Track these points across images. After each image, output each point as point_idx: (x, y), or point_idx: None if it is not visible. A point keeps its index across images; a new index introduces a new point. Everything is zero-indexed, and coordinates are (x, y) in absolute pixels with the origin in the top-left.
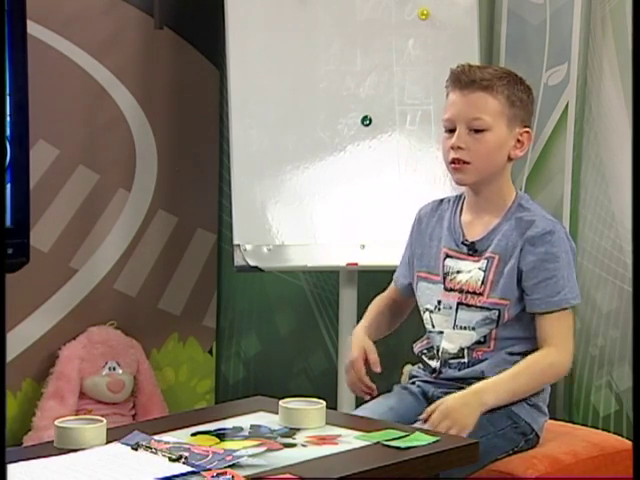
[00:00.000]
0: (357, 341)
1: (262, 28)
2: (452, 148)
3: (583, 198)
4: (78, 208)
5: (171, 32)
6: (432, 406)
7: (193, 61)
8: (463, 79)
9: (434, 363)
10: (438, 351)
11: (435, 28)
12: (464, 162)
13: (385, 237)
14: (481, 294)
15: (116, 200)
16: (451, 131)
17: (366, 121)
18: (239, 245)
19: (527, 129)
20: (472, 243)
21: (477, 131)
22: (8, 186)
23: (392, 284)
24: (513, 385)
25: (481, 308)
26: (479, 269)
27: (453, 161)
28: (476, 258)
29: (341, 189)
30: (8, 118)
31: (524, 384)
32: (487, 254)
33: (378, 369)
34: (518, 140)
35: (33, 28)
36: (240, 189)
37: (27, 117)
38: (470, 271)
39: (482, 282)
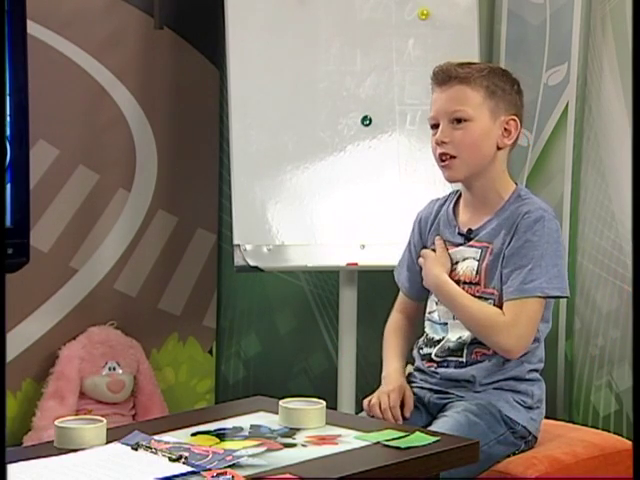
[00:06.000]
0: (394, 380)
1: (262, 28)
2: (437, 144)
3: (583, 198)
4: (78, 208)
5: (171, 32)
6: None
7: (193, 61)
8: (441, 76)
9: (429, 349)
10: (439, 341)
11: (435, 28)
12: (451, 157)
13: (385, 237)
14: (478, 284)
15: (116, 200)
16: (437, 128)
17: (366, 121)
18: (239, 245)
19: (513, 117)
20: (468, 230)
21: (459, 123)
22: (8, 186)
23: (400, 295)
24: (458, 303)
25: (480, 298)
26: (474, 259)
27: (441, 158)
28: (471, 244)
29: (341, 189)
30: (8, 118)
31: (463, 313)
32: (482, 243)
33: (407, 415)
34: (505, 129)
35: (33, 28)
36: (240, 189)
37: (27, 117)
38: (465, 260)
39: (477, 272)
